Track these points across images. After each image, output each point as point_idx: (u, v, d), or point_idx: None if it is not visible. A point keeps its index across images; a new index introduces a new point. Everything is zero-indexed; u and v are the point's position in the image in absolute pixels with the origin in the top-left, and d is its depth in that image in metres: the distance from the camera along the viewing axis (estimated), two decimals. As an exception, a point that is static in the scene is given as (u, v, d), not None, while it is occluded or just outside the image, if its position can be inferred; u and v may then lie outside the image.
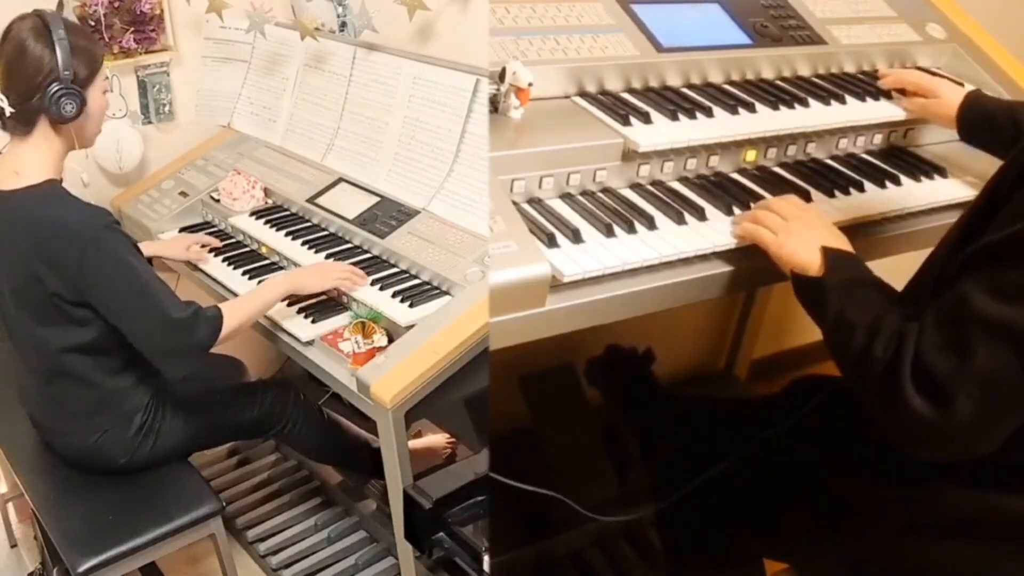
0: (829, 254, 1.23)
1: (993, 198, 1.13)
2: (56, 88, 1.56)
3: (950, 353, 1.02)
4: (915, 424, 1.04)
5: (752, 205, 1.40)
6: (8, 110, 1.57)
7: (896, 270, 1.32)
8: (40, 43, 1.55)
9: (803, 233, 1.27)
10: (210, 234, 2.12)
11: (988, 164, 1.62)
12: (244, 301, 1.72)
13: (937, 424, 1.03)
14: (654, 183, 1.47)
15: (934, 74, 1.78)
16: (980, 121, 1.53)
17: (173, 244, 2.04)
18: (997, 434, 1.05)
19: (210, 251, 2.04)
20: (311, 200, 2.08)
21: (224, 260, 2.00)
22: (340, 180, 2.10)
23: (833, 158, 1.63)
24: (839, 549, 1.38)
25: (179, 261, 2.02)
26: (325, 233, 2.01)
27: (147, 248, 1.98)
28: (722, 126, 1.49)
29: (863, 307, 1.14)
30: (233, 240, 2.09)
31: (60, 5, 2.06)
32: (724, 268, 1.33)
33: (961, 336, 1.01)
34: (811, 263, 1.23)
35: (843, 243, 1.27)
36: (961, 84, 1.71)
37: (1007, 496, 1.19)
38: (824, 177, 1.54)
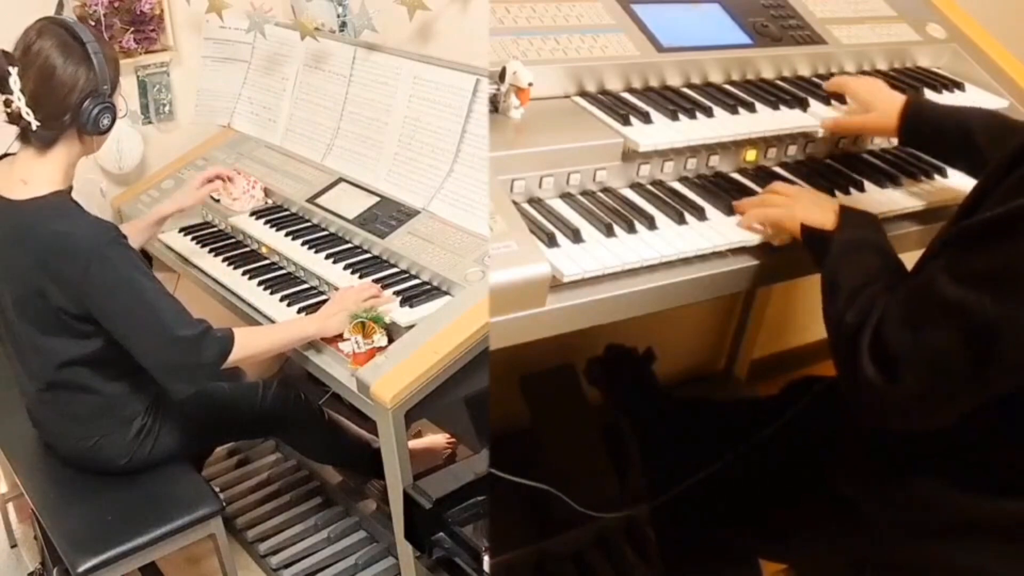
0: (844, 211, 1.26)
1: (985, 188, 1.14)
2: (94, 103, 1.53)
3: (905, 328, 1.05)
4: (866, 391, 1.08)
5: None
6: (35, 124, 1.53)
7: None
8: (71, 59, 1.51)
9: (813, 201, 1.31)
10: (210, 234, 2.12)
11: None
12: (262, 332, 1.69)
13: (884, 393, 1.07)
14: (654, 183, 1.47)
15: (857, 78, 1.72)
16: (925, 131, 1.48)
17: (184, 196, 2.04)
18: (944, 411, 1.09)
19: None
20: (311, 200, 2.07)
21: (224, 260, 2.00)
22: (340, 180, 2.10)
23: (833, 158, 1.63)
24: (838, 549, 1.38)
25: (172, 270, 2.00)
26: (325, 233, 2.01)
27: (165, 209, 1.99)
28: (722, 126, 1.49)
29: (854, 272, 1.18)
30: (233, 240, 2.09)
31: (60, 5, 2.06)
32: (725, 268, 1.33)
33: (918, 313, 1.05)
34: (825, 221, 1.25)
35: None
36: (901, 90, 1.63)
37: (1006, 498, 1.19)
38: (824, 177, 1.54)
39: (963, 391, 1.06)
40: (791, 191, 1.36)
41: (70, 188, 1.63)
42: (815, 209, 1.28)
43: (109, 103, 1.57)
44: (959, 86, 1.80)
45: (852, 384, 1.11)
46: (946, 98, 1.74)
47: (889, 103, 1.48)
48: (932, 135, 1.47)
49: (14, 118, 1.54)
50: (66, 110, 1.53)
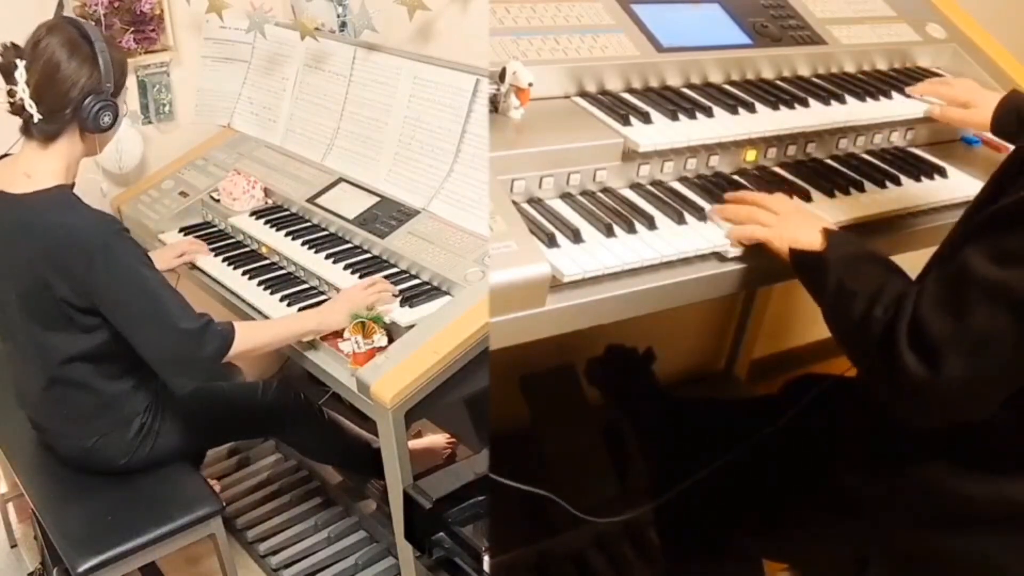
0: (829, 233, 1.25)
1: (1001, 180, 1.14)
2: (95, 101, 1.56)
3: (946, 313, 1.04)
4: (907, 383, 1.06)
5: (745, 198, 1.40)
6: (37, 117, 1.55)
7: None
8: (77, 56, 1.55)
9: (798, 221, 1.29)
10: (210, 234, 2.12)
11: (988, 163, 1.62)
12: (263, 327, 1.71)
13: (927, 383, 1.05)
14: (654, 183, 1.47)
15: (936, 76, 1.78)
16: (1010, 120, 1.54)
17: (160, 257, 1.97)
18: (987, 398, 1.08)
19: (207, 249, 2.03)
20: (311, 200, 2.08)
21: (224, 260, 2.00)
22: (340, 180, 2.10)
23: (833, 158, 1.63)
24: (840, 547, 1.38)
25: (172, 270, 1.99)
26: (325, 233, 2.01)
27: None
28: (722, 126, 1.49)
29: (865, 277, 1.16)
30: (233, 240, 2.09)
31: (60, 5, 2.06)
32: (724, 268, 1.33)
33: (958, 298, 1.04)
34: (811, 243, 1.24)
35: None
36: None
37: (1010, 484, 1.19)
38: (824, 177, 1.54)
39: (1008, 372, 1.05)
40: (777, 206, 1.33)
41: (72, 184, 1.64)
42: (800, 232, 1.26)
43: (110, 102, 1.59)
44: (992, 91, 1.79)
45: (891, 381, 1.08)
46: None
47: (990, 100, 1.57)
48: (1019, 127, 1.51)
49: (17, 109, 1.57)
50: (67, 104, 1.56)
